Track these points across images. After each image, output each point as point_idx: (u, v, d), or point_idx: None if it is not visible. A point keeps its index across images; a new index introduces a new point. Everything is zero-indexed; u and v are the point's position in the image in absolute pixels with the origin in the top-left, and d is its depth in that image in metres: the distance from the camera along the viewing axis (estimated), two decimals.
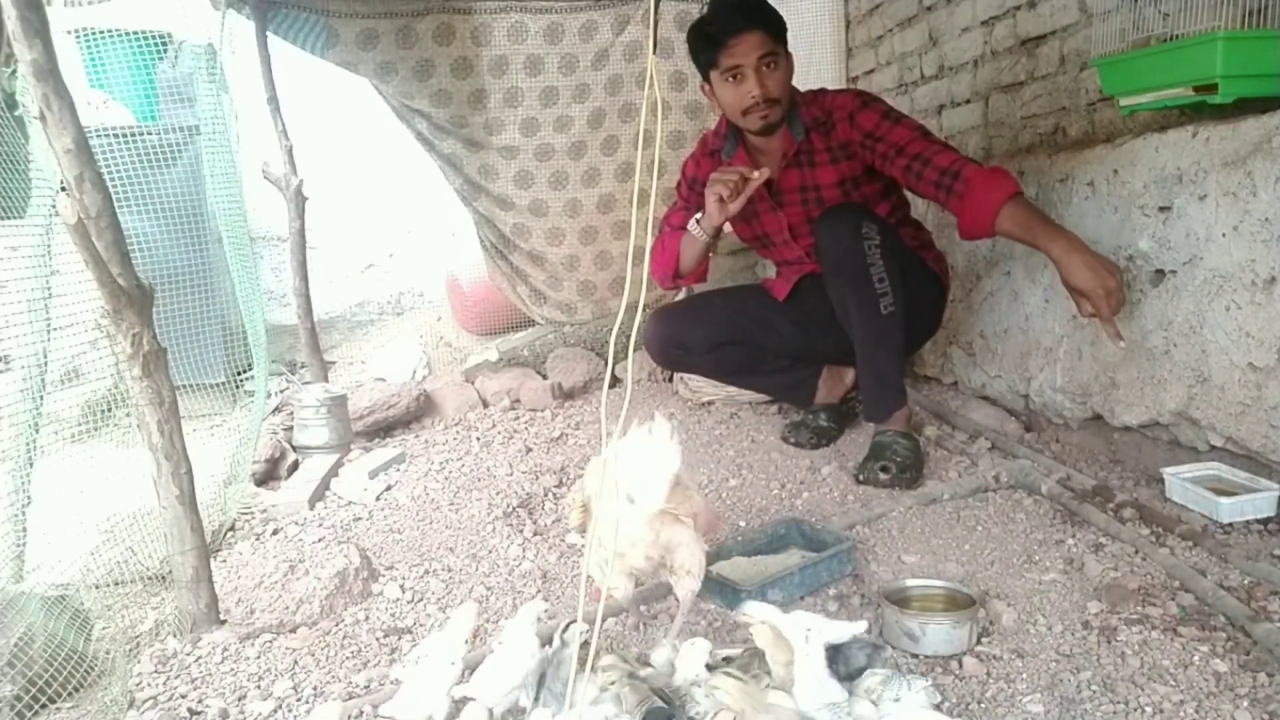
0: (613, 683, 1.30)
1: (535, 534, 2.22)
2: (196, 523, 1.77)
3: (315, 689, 1.59)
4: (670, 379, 3.48)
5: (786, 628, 1.37)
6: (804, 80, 2.56)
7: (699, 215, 2.49)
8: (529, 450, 2.87)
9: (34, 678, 1.49)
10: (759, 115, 2.40)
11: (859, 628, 1.41)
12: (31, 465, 1.89)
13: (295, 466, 2.88)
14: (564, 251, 3.68)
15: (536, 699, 1.37)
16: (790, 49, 2.45)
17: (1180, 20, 1.86)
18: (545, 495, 2.46)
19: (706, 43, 2.40)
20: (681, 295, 3.37)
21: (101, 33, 3.60)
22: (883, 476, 2.30)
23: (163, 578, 1.95)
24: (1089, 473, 2.27)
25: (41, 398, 1.93)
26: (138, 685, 1.63)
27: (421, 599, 1.93)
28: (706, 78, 2.48)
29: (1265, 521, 1.88)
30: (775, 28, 2.39)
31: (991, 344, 2.79)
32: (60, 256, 1.89)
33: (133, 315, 1.64)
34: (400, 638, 1.76)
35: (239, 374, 3.51)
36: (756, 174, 2.34)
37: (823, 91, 2.55)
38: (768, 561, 1.90)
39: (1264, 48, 1.77)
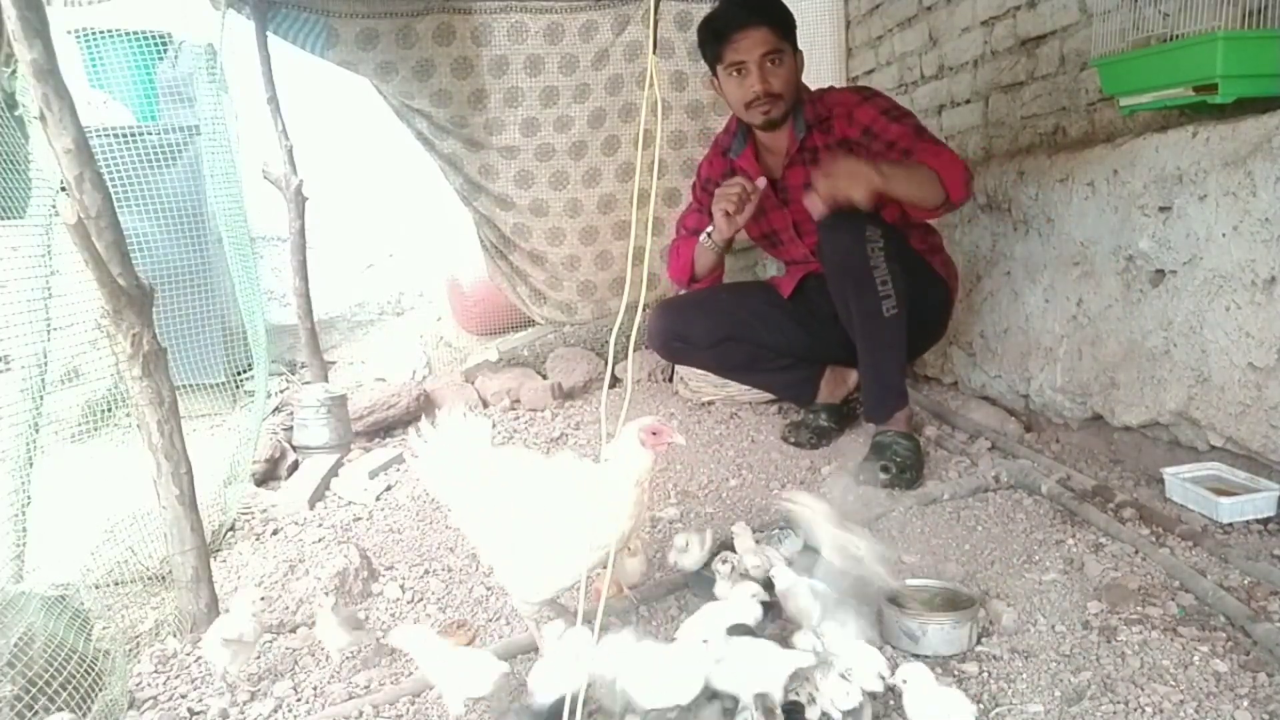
0: None
1: None
2: (196, 523, 1.77)
3: (315, 689, 1.59)
4: (670, 379, 3.48)
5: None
6: (803, 80, 2.57)
7: (710, 229, 2.52)
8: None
9: (34, 678, 1.48)
10: (760, 111, 2.42)
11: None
12: (31, 465, 1.88)
13: (295, 466, 2.88)
14: (564, 251, 3.68)
15: None
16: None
17: (1180, 20, 1.86)
18: None
19: (712, 37, 2.42)
20: None
21: (101, 33, 3.60)
22: (883, 476, 2.30)
23: (163, 578, 1.94)
24: (1089, 473, 2.27)
25: (41, 398, 1.93)
26: (138, 685, 1.63)
27: (421, 599, 1.92)
28: (713, 71, 2.49)
29: (1265, 521, 1.88)
30: (782, 24, 2.40)
31: (991, 344, 2.79)
32: (60, 256, 1.89)
33: (133, 315, 1.64)
34: None
35: (239, 374, 3.51)
36: (757, 185, 2.37)
37: (829, 90, 2.56)
38: None
39: (1264, 48, 1.77)
